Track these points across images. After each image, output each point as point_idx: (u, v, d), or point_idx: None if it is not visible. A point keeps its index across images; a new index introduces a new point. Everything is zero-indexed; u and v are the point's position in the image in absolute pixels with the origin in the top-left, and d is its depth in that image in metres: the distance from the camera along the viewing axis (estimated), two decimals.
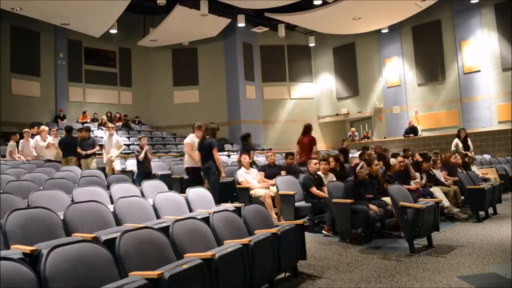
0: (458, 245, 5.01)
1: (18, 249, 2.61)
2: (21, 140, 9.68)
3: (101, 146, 9.83)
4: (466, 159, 9.14)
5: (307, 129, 8.64)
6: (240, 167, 7.20)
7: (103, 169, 8.72)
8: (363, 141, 16.84)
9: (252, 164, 7.68)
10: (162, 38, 16.85)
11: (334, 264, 4.32)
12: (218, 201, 5.45)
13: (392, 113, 17.16)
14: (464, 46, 15.29)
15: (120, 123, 15.96)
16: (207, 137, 6.86)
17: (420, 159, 7.38)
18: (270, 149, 14.73)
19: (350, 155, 10.56)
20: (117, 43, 17.77)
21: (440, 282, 3.64)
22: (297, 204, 5.92)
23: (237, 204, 4.97)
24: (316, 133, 19.12)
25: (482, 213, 6.82)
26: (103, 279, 2.31)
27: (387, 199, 5.34)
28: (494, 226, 6.11)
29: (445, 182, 7.30)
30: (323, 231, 5.74)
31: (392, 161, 7.01)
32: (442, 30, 15.98)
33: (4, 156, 9.54)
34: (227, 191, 7.23)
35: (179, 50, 18.67)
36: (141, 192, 5.29)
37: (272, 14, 15.51)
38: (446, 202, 6.64)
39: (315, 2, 14.09)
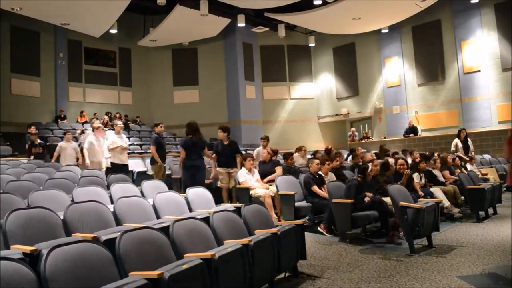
0: (458, 245, 5.01)
1: (18, 249, 2.61)
2: (89, 138, 8.10)
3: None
4: (463, 162, 9.24)
5: None
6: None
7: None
8: (363, 141, 16.85)
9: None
10: (162, 38, 16.85)
11: (334, 264, 4.32)
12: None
13: (392, 113, 17.15)
14: (464, 46, 15.29)
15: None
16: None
17: (418, 159, 7.39)
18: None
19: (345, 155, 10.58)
20: (117, 43, 17.77)
21: (440, 282, 3.64)
22: (297, 204, 5.92)
23: (237, 204, 4.97)
24: (316, 133, 19.35)
25: (482, 213, 6.82)
26: (103, 279, 2.31)
27: (387, 199, 5.35)
28: (494, 226, 6.11)
29: (446, 182, 7.32)
30: (319, 228, 5.76)
31: (391, 161, 7.02)
32: (442, 30, 15.98)
33: (5, 156, 9.48)
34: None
35: (179, 50, 18.67)
36: (141, 192, 5.29)
37: (272, 14, 15.50)
38: (446, 202, 6.65)
39: (315, 2, 14.09)
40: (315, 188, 6.03)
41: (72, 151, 9.09)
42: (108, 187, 5.47)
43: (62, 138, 11.92)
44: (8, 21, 14.35)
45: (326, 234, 5.65)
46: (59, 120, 15.05)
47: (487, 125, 14.46)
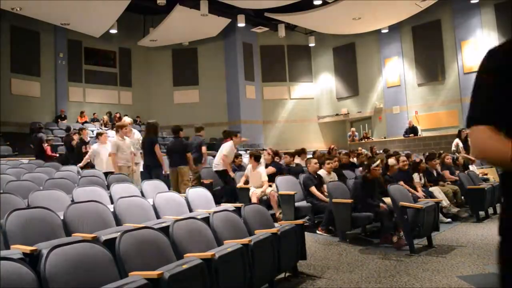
0: (458, 245, 5.01)
1: (18, 249, 2.61)
2: (115, 138, 6.97)
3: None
4: (470, 162, 9.25)
5: None
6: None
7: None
8: (363, 141, 16.85)
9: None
10: (162, 38, 16.85)
11: (334, 264, 4.32)
12: None
13: (392, 113, 17.16)
14: (464, 46, 15.29)
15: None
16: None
17: (418, 160, 7.38)
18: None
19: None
20: (117, 43, 17.77)
21: (440, 282, 3.64)
22: (297, 204, 5.92)
23: (237, 204, 4.97)
24: (316, 133, 19.36)
25: (482, 213, 6.82)
26: (103, 279, 2.31)
27: (387, 199, 5.34)
28: (494, 226, 6.03)
29: (447, 182, 7.33)
30: (317, 231, 5.76)
31: (391, 161, 7.01)
32: (442, 30, 15.98)
33: (5, 156, 9.33)
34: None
35: (179, 50, 18.67)
36: (141, 192, 5.28)
37: (272, 14, 15.51)
38: (445, 202, 6.65)
39: (315, 2, 14.10)
40: (313, 189, 6.02)
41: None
42: (108, 187, 5.47)
43: (62, 138, 11.84)
44: (8, 21, 14.35)
45: (324, 234, 5.67)
46: (59, 120, 15.05)
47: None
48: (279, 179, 6.29)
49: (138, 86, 18.58)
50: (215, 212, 3.63)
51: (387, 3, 13.39)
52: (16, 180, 5.63)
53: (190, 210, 4.61)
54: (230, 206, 4.69)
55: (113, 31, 15.61)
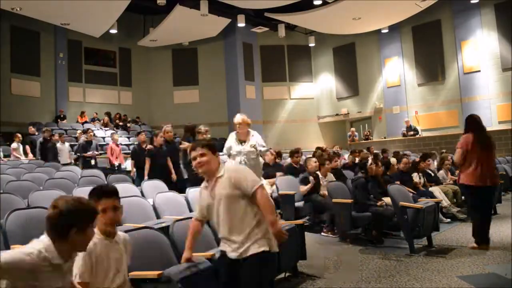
0: (458, 245, 5.01)
1: None
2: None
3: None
4: None
5: None
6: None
7: None
8: (363, 141, 16.84)
9: None
10: (162, 38, 16.85)
11: (334, 264, 4.32)
12: None
13: (392, 113, 17.15)
14: (464, 46, 15.28)
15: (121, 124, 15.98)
16: None
17: (417, 159, 7.39)
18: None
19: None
20: (117, 43, 17.77)
21: (440, 282, 3.64)
22: (297, 204, 5.92)
23: None
24: (316, 133, 19.35)
25: None
26: None
27: (387, 199, 5.34)
28: (494, 226, 6.08)
29: (447, 182, 7.34)
30: (322, 233, 5.73)
31: (392, 161, 7.02)
32: (442, 30, 15.97)
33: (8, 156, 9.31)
34: None
35: (179, 50, 18.67)
36: (141, 192, 5.29)
37: (272, 14, 15.50)
38: (445, 202, 6.65)
39: (315, 2, 14.09)
40: (300, 187, 5.90)
41: None
42: None
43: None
44: (8, 21, 14.34)
45: (331, 236, 5.59)
46: (59, 120, 15.05)
47: (487, 125, 14.15)
48: (279, 179, 6.30)
49: (138, 86, 18.58)
50: None
51: (387, 3, 13.38)
52: (16, 180, 5.64)
53: (190, 210, 4.61)
54: None
55: (113, 31, 15.60)
